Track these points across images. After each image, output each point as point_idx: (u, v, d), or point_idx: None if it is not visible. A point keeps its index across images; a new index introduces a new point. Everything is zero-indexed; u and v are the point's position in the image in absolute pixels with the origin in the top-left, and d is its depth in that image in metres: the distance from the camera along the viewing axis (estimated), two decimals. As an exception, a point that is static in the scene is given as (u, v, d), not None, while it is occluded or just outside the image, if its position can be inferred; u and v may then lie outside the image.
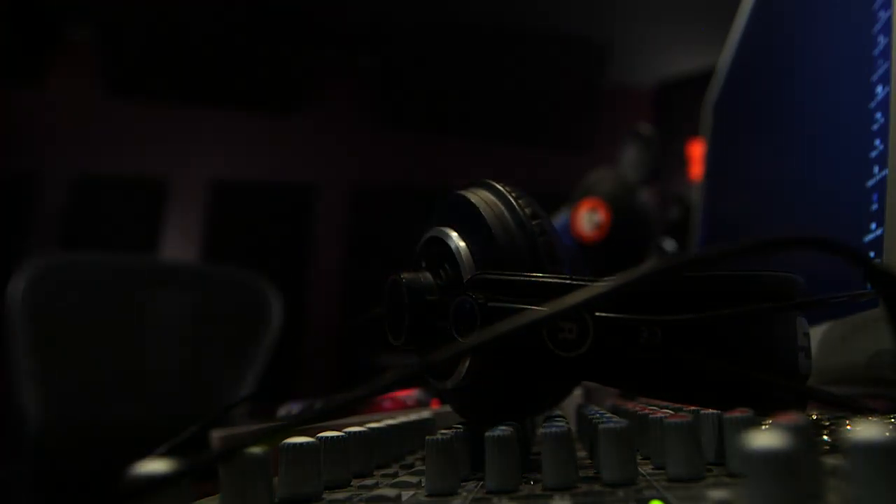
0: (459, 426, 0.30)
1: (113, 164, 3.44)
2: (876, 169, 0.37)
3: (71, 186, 3.40)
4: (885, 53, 0.37)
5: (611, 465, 0.22)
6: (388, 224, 3.15)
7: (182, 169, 3.47)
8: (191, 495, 0.20)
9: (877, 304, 0.36)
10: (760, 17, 0.71)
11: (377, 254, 3.11)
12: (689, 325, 0.28)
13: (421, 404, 0.54)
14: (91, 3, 3.04)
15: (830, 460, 0.21)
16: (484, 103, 3.36)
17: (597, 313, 0.27)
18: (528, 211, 0.32)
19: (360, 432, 0.30)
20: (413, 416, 0.40)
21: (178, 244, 3.40)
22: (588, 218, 0.86)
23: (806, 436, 0.16)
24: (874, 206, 0.37)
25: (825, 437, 0.26)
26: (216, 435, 0.45)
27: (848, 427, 0.28)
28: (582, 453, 0.32)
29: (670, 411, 0.28)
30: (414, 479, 0.26)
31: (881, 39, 0.38)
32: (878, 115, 0.37)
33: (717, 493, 0.18)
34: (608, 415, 0.29)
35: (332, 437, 0.27)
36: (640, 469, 0.25)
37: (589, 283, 0.28)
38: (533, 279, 0.29)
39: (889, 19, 0.37)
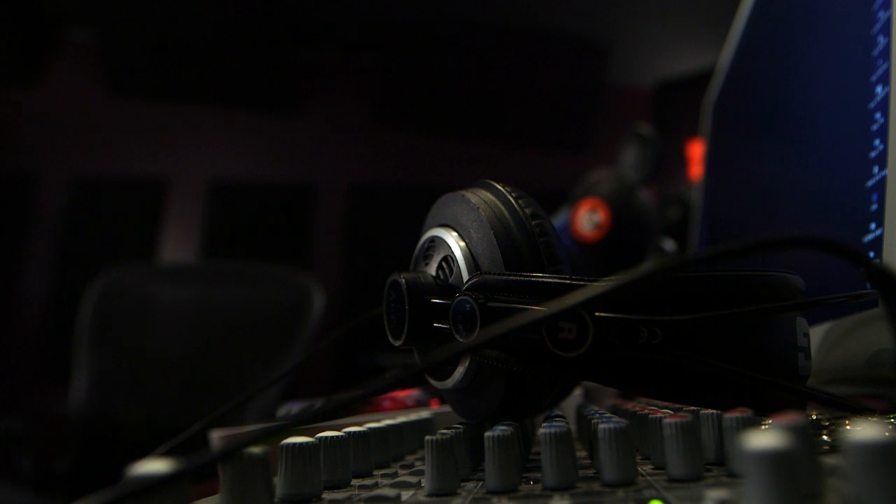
0: (459, 426, 0.30)
1: (113, 164, 3.44)
2: (875, 169, 0.37)
3: (71, 186, 3.41)
4: (885, 54, 0.37)
5: (610, 465, 0.22)
6: (387, 224, 3.15)
7: (182, 169, 3.47)
8: (191, 495, 0.20)
9: (876, 304, 0.36)
10: (760, 17, 0.71)
11: (376, 254, 3.11)
12: (689, 325, 0.28)
13: (421, 404, 0.54)
14: (91, 3, 3.04)
15: (830, 460, 0.21)
16: (483, 103, 3.36)
17: (596, 313, 0.27)
18: (528, 211, 0.32)
19: (360, 432, 0.30)
20: (413, 416, 0.40)
21: (178, 244, 3.40)
22: (588, 218, 0.86)
23: (805, 436, 0.16)
24: (874, 206, 0.37)
25: (824, 437, 0.26)
26: (216, 435, 0.45)
27: (847, 427, 0.28)
28: (582, 453, 0.32)
29: (670, 411, 0.28)
30: (414, 479, 0.26)
31: (881, 40, 0.38)
32: (878, 115, 0.37)
33: (716, 493, 0.18)
34: (608, 415, 0.30)
35: (332, 437, 0.27)
36: (639, 469, 0.25)
37: (589, 283, 0.28)
38: (533, 279, 0.29)
39: (889, 20, 0.37)
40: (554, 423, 0.24)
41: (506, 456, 0.24)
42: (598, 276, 0.28)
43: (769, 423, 0.20)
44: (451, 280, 0.33)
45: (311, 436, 0.26)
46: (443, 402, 0.52)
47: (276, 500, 0.24)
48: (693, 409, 0.27)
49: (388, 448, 0.33)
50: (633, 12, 2.96)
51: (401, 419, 0.38)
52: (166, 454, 0.28)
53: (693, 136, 1.43)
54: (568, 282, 0.29)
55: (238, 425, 0.48)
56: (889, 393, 0.38)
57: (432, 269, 0.34)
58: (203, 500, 0.26)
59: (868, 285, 0.36)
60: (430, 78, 3.32)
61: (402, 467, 0.32)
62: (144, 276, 1.58)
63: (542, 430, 0.24)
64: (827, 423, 0.30)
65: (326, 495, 0.25)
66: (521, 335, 0.28)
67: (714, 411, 0.25)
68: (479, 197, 0.33)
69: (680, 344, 0.28)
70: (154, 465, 0.18)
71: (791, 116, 0.56)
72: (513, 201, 0.33)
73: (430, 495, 0.24)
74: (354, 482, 0.28)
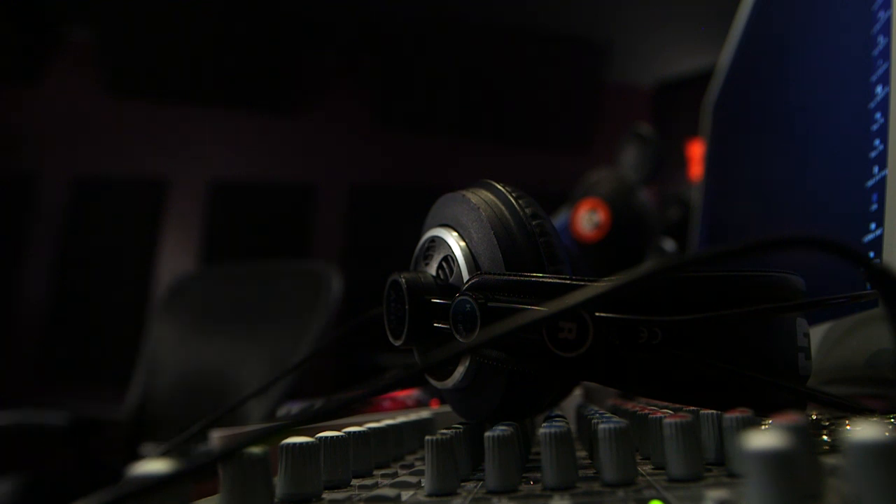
0: (459, 426, 0.30)
1: (113, 164, 3.44)
2: (875, 169, 0.37)
3: (71, 186, 3.40)
4: (885, 54, 0.37)
5: (610, 465, 0.22)
6: (387, 224, 3.15)
7: (182, 169, 3.47)
8: (191, 495, 0.20)
9: (876, 304, 0.36)
10: (760, 17, 0.71)
11: (376, 254, 3.10)
12: (689, 326, 0.28)
13: (421, 404, 0.54)
14: (91, 4, 3.04)
15: (830, 460, 0.21)
16: (483, 103, 3.36)
17: (596, 313, 0.27)
18: (528, 211, 0.32)
19: (359, 432, 0.30)
20: (413, 416, 0.40)
21: (178, 244, 3.40)
22: (588, 218, 0.86)
23: (805, 436, 0.16)
24: (874, 207, 0.37)
25: (824, 437, 0.26)
26: (216, 435, 0.45)
27: (847, 427, 0.28)
28: (582, 453, 0.32)
29: (670, 411, 0.28)
30: (414, 479, 0.26)
31: (881, 40, 0.38)
32: (878, 115, 0.37)
33: (716, 493, 0.18)
34: (608, 415, 0.30)
35: (332, 437, 0.27)
36: (639, 469, 0.25)
37: (589, 283, 0.28)
38: (533, 279, 0.29)
39: (889, 20, 0.37)
40: (554, 423, 0.24)
41: (506, 456, 0.24)
42: (598, 276, 0.28)
43: (769, 424, 0.20)
44: (451, 280, 0.33)
45: (311, 436, 0.26)
46: (443, 402, 0.52)
47: (276, 500, 0.24)
48: (693, 409, 0.27)
49: (388, 448, 0.33)
50: (633, 12, 2.95)
51: (401, 419, 0.38)
52: (166, 454, 0.28)
53: (693, 136, 1.43)
54: (568, 282, 0.29)
55: (241, 425, 0.48)
56: (889, 393, 0.38)
57: (432, 269, 0.34)
58: (203, 500, 0.26)
59: (868, 285, 0.36)
60: (429, 78, 3.32)
61: (402, 467, 0.32)
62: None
63: (542, 430, 0.24)
64: (827, 423, 0.30)
65: (326, 495, 0.25)
66: (522, 335, 0.28)
67: (714, 411, 0.25)
68: (479, 197, 0.33)
69: (680, 344, 0.28)
70: (154, 465, 0.18)
71: (791, 116, 0.56)
72: (513, 201, 0.33)
73: (430, 495, 0.24)
74: (354, 482, 0.28)
